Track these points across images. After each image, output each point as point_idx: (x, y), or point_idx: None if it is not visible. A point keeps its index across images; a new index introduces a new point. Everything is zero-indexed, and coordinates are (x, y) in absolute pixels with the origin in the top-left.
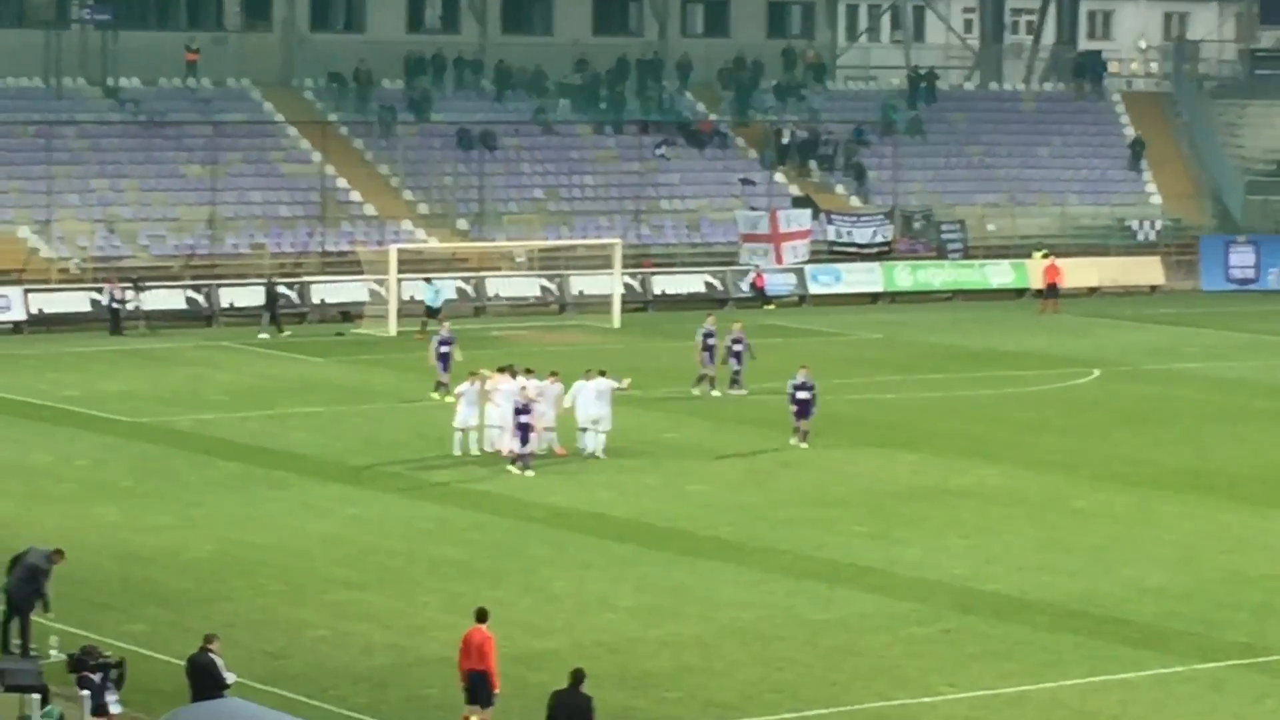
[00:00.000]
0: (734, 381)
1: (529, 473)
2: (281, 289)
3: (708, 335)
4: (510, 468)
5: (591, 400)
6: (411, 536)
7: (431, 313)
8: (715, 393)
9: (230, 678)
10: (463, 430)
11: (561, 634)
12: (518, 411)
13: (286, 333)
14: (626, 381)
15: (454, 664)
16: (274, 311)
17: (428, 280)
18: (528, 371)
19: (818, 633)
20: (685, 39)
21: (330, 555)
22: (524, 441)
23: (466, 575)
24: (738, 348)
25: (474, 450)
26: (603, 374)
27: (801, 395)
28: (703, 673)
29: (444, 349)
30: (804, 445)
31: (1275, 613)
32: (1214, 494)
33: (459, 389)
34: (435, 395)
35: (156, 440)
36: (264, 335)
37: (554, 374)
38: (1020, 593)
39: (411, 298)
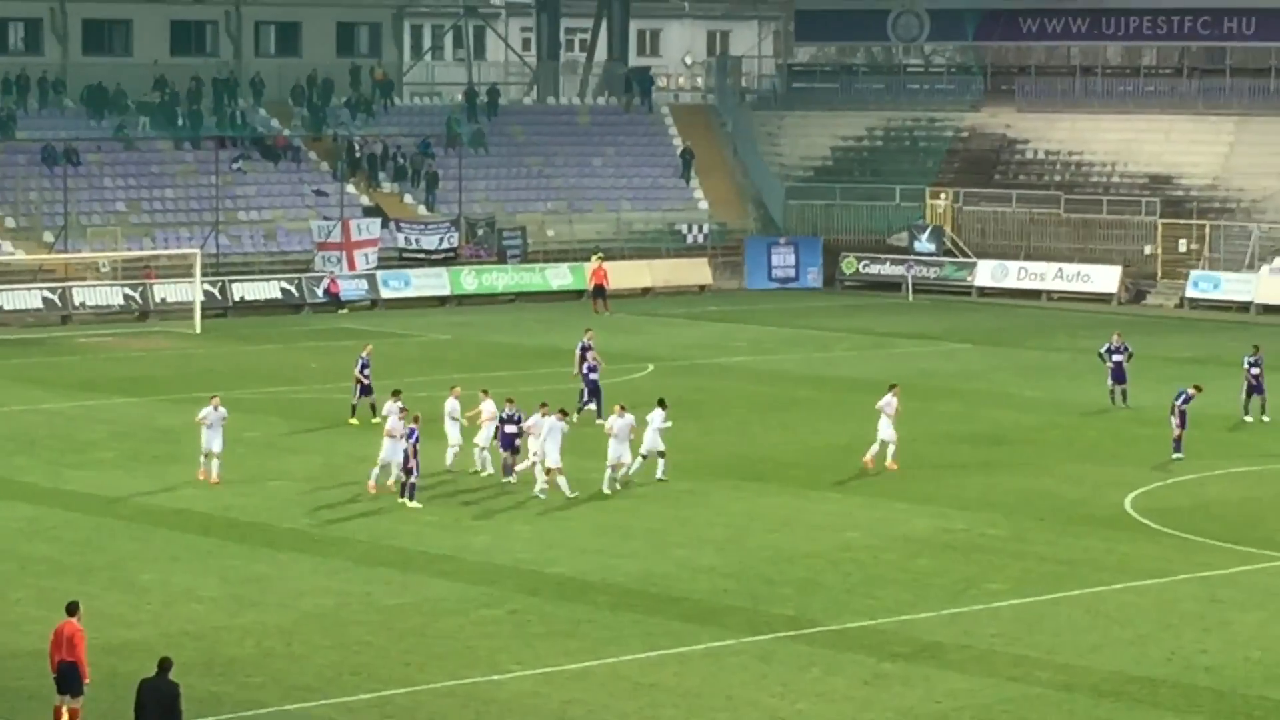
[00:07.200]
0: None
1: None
2: None
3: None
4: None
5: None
6: (2, 536)
7: None
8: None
9: None
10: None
11: (149, 625)
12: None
13: None
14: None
15: (46, 656)
16: None
17: None
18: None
19: (393, 617)
20: (259, 59)
21: None
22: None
23: (57, 571)
24: (593, 376)
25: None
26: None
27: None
28: (285, 658)
29: (367, 373)
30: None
31: (818, 587)
32: (761, 479)
33: (529, 421)
34: (354, 421)
35: None
36: None
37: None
38: (582, 575)
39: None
